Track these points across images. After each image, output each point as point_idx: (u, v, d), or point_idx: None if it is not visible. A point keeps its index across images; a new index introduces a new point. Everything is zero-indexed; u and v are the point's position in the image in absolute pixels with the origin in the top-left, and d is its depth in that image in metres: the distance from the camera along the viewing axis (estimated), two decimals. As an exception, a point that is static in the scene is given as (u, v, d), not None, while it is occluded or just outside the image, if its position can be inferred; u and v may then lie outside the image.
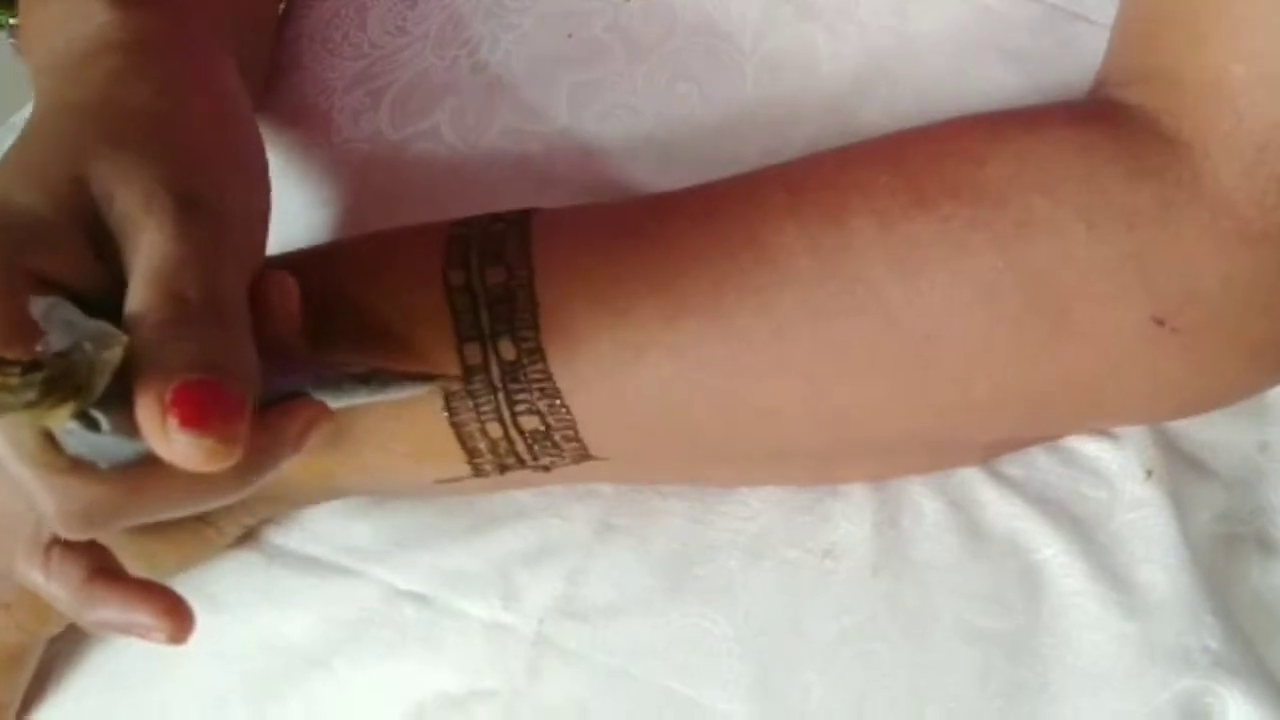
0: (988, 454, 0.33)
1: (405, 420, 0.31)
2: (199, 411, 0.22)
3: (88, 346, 0.22)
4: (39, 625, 0.33)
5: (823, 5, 0.35)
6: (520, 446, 0.31)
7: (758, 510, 0.33)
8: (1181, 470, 0.32)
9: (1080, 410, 0.31)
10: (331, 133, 0.38)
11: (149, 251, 0.25)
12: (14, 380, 0.21)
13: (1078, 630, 0.30)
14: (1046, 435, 0.33)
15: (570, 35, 0.37)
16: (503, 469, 0.32)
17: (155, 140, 0.27)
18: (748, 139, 0.35)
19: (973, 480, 0.33)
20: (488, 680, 0.32)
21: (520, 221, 0.31)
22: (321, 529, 0.35)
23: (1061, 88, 0.34)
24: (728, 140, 0.35)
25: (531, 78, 0.37)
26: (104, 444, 0.24)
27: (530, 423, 0.30)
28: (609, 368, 0.30)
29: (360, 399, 0.28)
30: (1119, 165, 0.29)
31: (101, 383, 0.22)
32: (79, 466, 0.24)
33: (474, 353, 0.30)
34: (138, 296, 0.24)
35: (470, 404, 0.30)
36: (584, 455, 0.31)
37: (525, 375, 0.30)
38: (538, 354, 0.30)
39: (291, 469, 0.31)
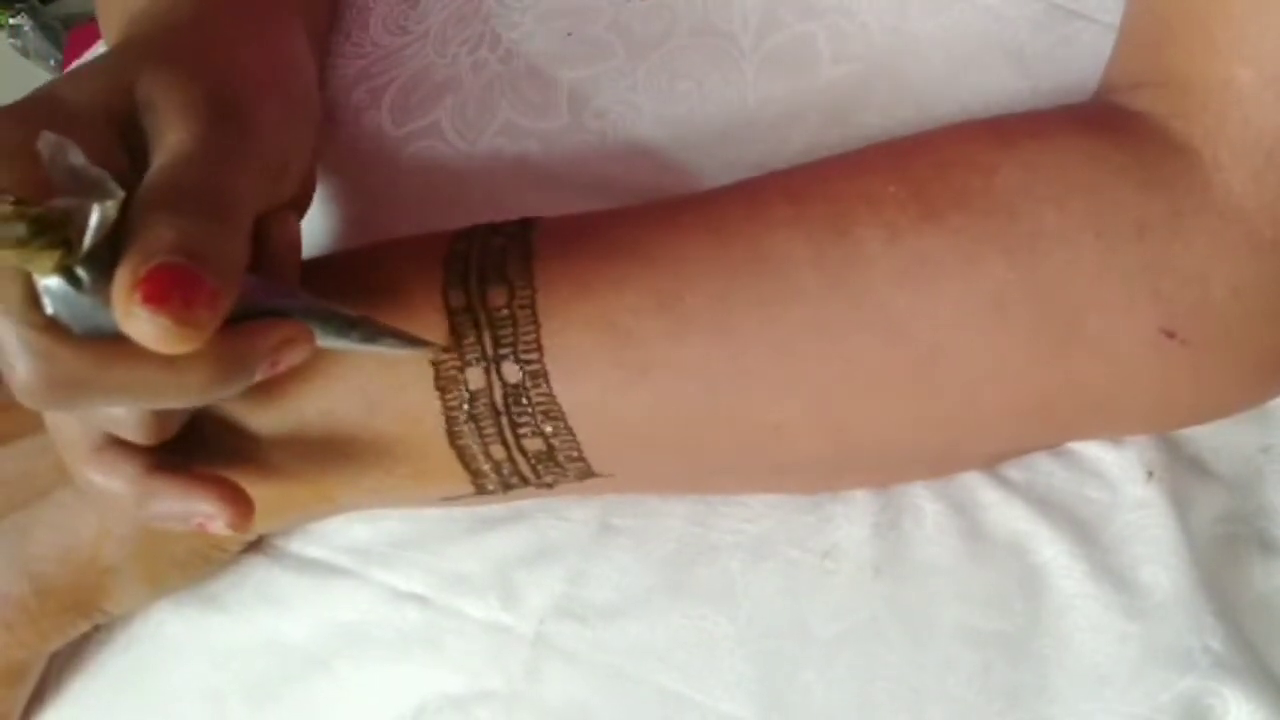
0: (991, 461, 0.33)
1: (408, 444, 0.31)
2: (163, 290, 0.22)
3: (88, 204, 0.23)
4: (41, 643, 0.34)
5: (824, 5, 0.35)
6: (524, 467, 0.31)
7: (759, 512, 0.33)
8: (1183, 471, 0.32)
9: (1087, 420, 0.31)
10: (333, 129, 0.38)
11: (171, 145, 0.26)
12: (6, 209, 0.22)
13: (1079, 632, 0.30)
14: (1051, 444, 0.33)
15: (571, 34, 0.37)
16: (506, 488, 0.32)
17: (203, 60, 0.28)
18: (748, 138, 0.35)
19: (974, 482, 0.32)
20: (488, 681, 0.32)
21: (521, 235, 0.31)
22: (322, 531, 0.35)
23: (1062, 86, 0.34)
24: (728, 139, 0.35)
25: (532, 75, 0.37)
26: (82, 306, 0.24)
27: (534, 444, 0.30)
28: (613, 388, 0.29)
29: (344, 342, 0.28)
30: (1129, 175, 0.28)
31: (91, 235, 0.23)
32: (54, 327, 0.24)
33: (476, 376, 0.30)
34: (147, 181, 0.25)
35: (473, 427, 0.30)
36: (588, 473, 0.31)
37: (528, 397, 0.30)
38: (541, 376, 0.29)
39: (291, 491, 0.32)
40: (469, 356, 0.30)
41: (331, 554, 0.34)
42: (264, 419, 0.31)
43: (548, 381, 0.29)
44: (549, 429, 0.30)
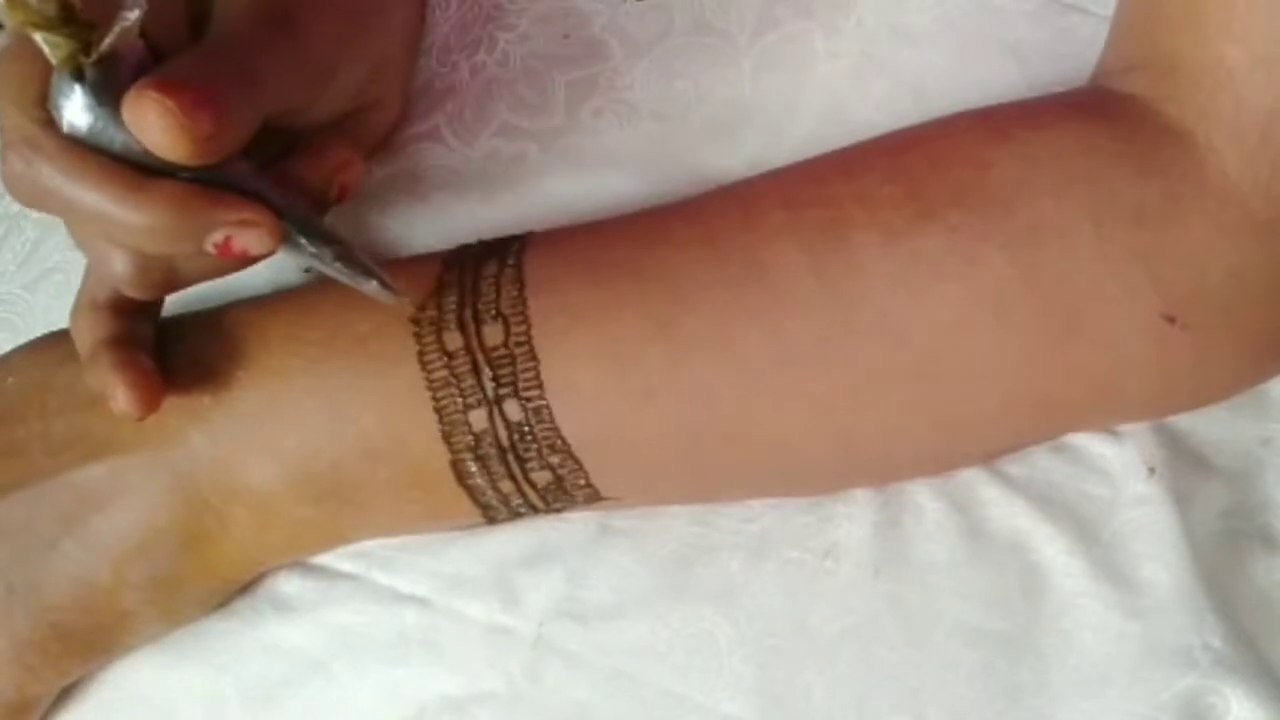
0: (991, 456, 0.33)
1: (417, 488, 0.31)
2: (178, 89, 0.25)
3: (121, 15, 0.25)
4: (61, 679, 0.34)
5: (820, 2, 0.35)
6: (533, 498, 0.31)
7: (758, 511, 0.33)
8: (1184, 467, 0.32)
9: (1089, 410, 0.31)
10: None
11: (219, 28, 0.28)
12: None
13: (1079, 630, 0.30)
14: (1053, 436, 0.33)
15: (567, 35, 0.37)
16: (516, 516, 0.32)
17: None
18: (744, 135, 0.35)
19: (974, 480, 0.32)
20: (488, 683, 0.32)
21: (512, 261, 0.31)
22: (323, 535, 0.35)
23: (1060, 79, 0.34)
24: (725, 136, 0.35)
25: (528, 75, 0.37)
26: (80, 103, 0.26)
27: (542, 478, 0.30)
28: (617, 416, 0.30)
29: (317, 260, 0.29)
30: (1125, 163, 0.28)
31: (111, 38, 0.25)
32: (50, 125, 0.26)
33: (479, 418, 0.30)
34: (192, 47, 0.27)
35: (480, 466, 0.30)
36: (596, 498, 0.31)
37: (533, 434, 0.30)
38: (544, 411, 0.29)
39: (303, 534, 0.32)
40: (470, 399, 0.30)
41: (333, 558, 0.34)
42: (272, 475, 0.31)
43: (551, 416, 0.29)
44: (555, 460, 0.30)
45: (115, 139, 0.26)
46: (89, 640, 0.33)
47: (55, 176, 0.26)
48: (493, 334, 0.30)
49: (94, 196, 0.26)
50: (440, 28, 0.38)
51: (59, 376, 0.33)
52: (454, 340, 0.30)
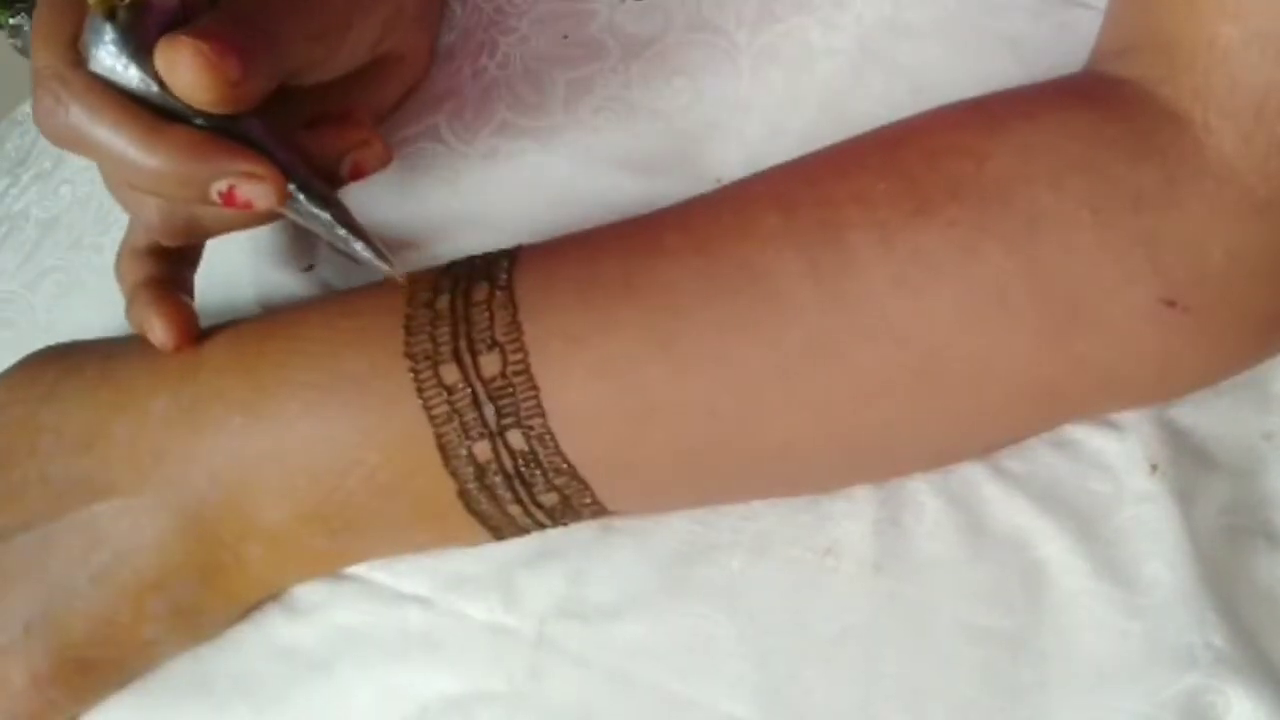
0: (992, 448, 0.33)
1: (425, 518, 0.31)
2: (208, 36, 0.26)
3: None
4: (79, 706, 0.34)
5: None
6: (541, 517, 0.31)
7: (759, 510, 0.33)
8: (1187, 463, 0.32)
9: (1092, 398, 0.31)
10: None
11: None
12: None
13: (1080, 629, 0.30)
14: (1055, 425, 0.33)
15: (566, 36, 0.37)
16: (525, 533, 0.32)
17: None
18: (743, 131, 0.35)
19: (974, 477, 0.32)
20: (489, 682, 0.32)
21: (504, 283, 0.31)
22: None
23: (1060, 73, 0.34)
24: (723, 131, 0.35)
25: (528, 76, 0.37)
26: (109, 43, 0.27)
27: (549, 499, 0.31)
28: (621, 437, 0.30)
29: (315, 221, 0.29)
30: (1121, 147, 0.28)
31: None
32: (79, 64, 0.28)
33: (483, 449, 0.30)
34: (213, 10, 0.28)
35: (488, 494, 0.30)
36: (603, 512, 0.32)
37: (538, 460, 0.30)
38: (548, 438, 0.30)
39: (316, 563, 0.33)
40: (473, 432, 0.30)
41: (335, 558, 0.34)
42: (284, 515, 0.31)
43: (555, 442, 0.30)
44: (561, 483, 0.30)
45: (135, 80, 0.28)
46: (112, 670, 0.33)
47: (79, 114, 0.28)
48: (489, 364, 0.30)
49: (111, 135, 0.27)
50: (446, 35, 0.39)
51: (44, 415, 0.33)
52: (451, 373, 0.30)
